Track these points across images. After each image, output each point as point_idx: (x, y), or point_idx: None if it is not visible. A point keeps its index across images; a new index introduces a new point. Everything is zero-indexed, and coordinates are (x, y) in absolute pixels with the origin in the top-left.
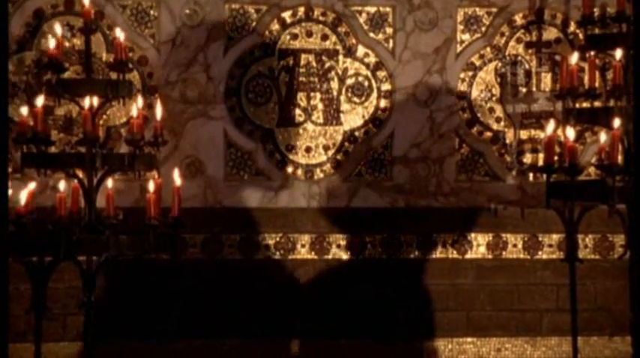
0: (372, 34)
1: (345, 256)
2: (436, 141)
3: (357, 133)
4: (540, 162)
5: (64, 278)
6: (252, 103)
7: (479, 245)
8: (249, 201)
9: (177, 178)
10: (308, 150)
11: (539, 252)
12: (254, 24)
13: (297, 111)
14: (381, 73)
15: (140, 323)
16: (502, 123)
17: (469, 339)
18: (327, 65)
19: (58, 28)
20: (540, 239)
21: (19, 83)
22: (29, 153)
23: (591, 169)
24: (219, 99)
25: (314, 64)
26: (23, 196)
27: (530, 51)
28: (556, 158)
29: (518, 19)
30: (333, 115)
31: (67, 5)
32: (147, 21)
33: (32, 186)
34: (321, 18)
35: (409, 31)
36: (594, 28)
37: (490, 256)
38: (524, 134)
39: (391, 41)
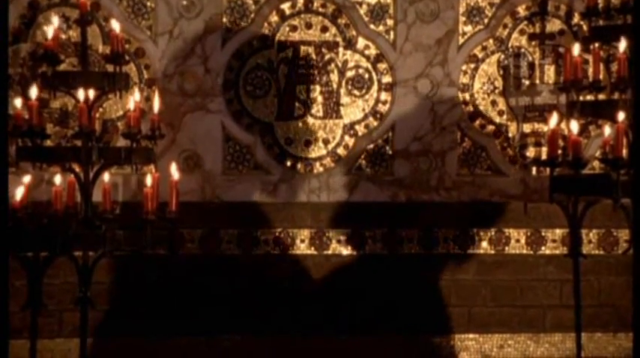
0: (372, 26)
1: (345, 251)
2: (438, 134)
3: (357, 127)
4: (544, 156)
5: (59, 273)
6: (250, 96)
7: (481, 240)
8: (247, 196)
9: (174, 172)
10: (307, 143)
11: (543, 248)
12: (252, 15)
13: (297, 104)
14: (382, 66)
15: (138, 319)
16: (505, 117)
17: (471, 335)
18: (326, 57)
19: (54, 20)
20: (543, 234)
21: (13, 75)
22: (24, 147)
23: (595, 163)
24: (217, 92)
25: (313, 56)
26: (18, 191)
27: (533, 43)
28: (560, 152)
29: (522, 11)
30: (332, 108)
31: None
32: (144, 12)
33: (27, 180)
34: (320, 9)
35: (410, 23)
36: (598, 20)
37: (492, 251)
38: (527, 127)
39: (392, 33)
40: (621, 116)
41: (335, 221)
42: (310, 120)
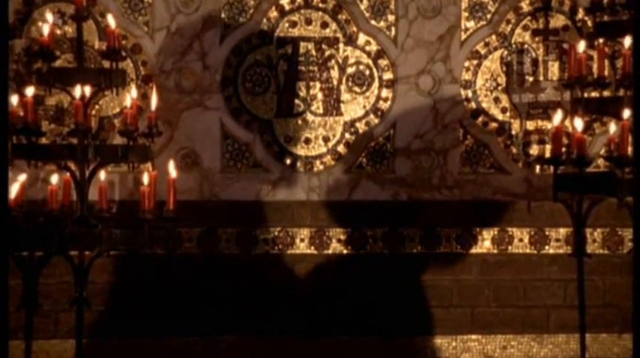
0: (373, 22)
1: (345, 251)
2: (440, 132)
3: (357, 124)
4: (547, 154)
5: (55, 273)
6: (249, 93)
7: (484, 239)
8: (246, 194)
9: (172, 170)
10: (307, 141)
11: (546, 247)
12: (251, 11)
13: (296, 101)
14: (383, 62)
15: (134, 319)
16: (508, 114)
17: (474, 336)
18: (327, 54)
19: (49, 16)
20: (547, 233)
21: (8, 72)
22: (19, 145)
23: (600, 161)
24: (215, 89)
25: (313, 52)
26: (13, 189)
27: (537, 39)
28: (564, 149)
29: (525, 6)
30: (333, 105)
31: None
32: (140, 8)
33: (22, 178)
34: (320, 5)
35: (412, 19)
36: (603, 15)
37: (495, 251)
38: (530, 125)
39: (393, 29)
40: (626, 113)
41: (335, 220)
42: (310, 117)
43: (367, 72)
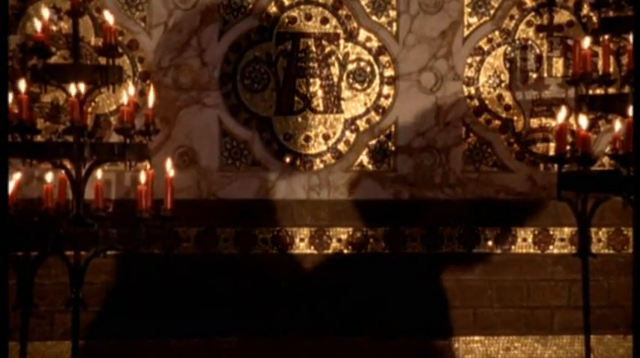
0: (374, 17)
1: (346, 251)
2: (442, 129)
3: (358, 122)
4: (551, 152)
5: (50, 273)
6: (248, 90)
7: (486, 239)
8: (245, 193)
9: (169, 169)
10: (307, 139)
11: (550, 247)
12: (250, 6)
13: (296, 98)
14: (384, 58)
15: (131, 320)
16: (511, 111)
17: (476, 338)
18: (327, 50)
19: (44, 11)
20: (551, 233)
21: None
22: (14, 142)
23: (605, 159)
24: (213, 86)
25: (313, 48)
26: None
27: (541, 35)
28: (568, 147)
29: (529, 1)
30: (333, 103)
31: None
32: (137, 3)
33: (17, 176)
34: (320, 0)
35: (414, 14)
36: (608, 11)
37: (498, 251)
38: (534, 122)
39: (395, 25)
40: (632, 111)
41: (336, 219)
42: (310, 114)
43: (368, 68)
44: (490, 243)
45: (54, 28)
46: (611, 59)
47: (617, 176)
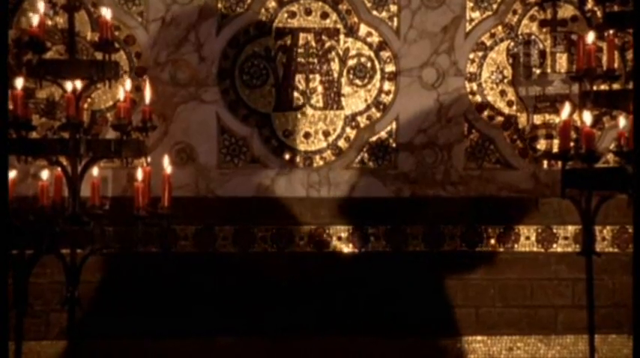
0: (375, 12)
1: (346, 249)
2: (444, 126)
3: (359, 118)
4: (555, 149)
5: (46, 272)
6: (247, 86)
7: (489, 237)
8: (244, 191)
9: (167, 166)
10: (307, 136)
11: (554, 245)
12: (249, 1)
13: (295, 94)
14: (385, 54)
15: (128, 320)
16: (514, 107)
17: (479, 338)
18: (327, 45)
19: (39, 5)
20: (555, 231)
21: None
22: (9, 139)
23: (610, 156)
24: (211, 82)
25: (313, 43)
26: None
27: (544, 30)
28: (572, 144)
29: None
30: (333, 99)
31: None
32: None
33: (12, 174)
34: None
35: (415, 9)
36: (613, 5)
37: (501, 249)
38: (538, 119)
39: (396, 19)
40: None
41: (336, 217)
42: (310, 111)
43: (369, 64)
44: (493, 241)
45: (49, 22)
46: (616, 54)
47: (621, 173)
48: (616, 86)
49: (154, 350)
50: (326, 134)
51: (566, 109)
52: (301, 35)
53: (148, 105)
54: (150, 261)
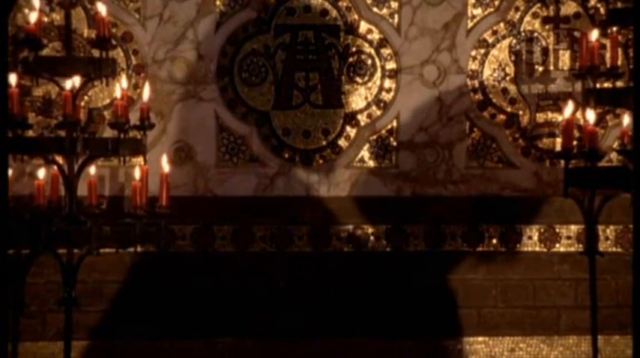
0: (375, 9)
1: (346, 249)
2: (445, 124)
3: (359, 116)
4: (558, 148)
5: (43, 272)
6: (246, 84)
7: (491, 237)
8: (242, 190)
9: (165, 165)
10: (306, 134)
11: (557, 245)
12: None
13: (295, 92)
14: (386, 51)
15: (125, 320)
16: (516, 105)
17: (480, 338)
18: (327, 42)
19: (36, 2)
20: (557, 230)
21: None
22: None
23: (613, 155)
24: (210, 80)
25: (313, 41)
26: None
27: (547, 27)
28: (575, 143)
29: None
30: (333, 97)
31: None
32: None
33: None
34: None
35: (416, 6)
36: (616, 2)
37: (503, 249)
38: (540, 117)
39: (396, 16)
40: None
41: (336, 217)
42: (309, 109)
43: (369, 61)
44: (494, 240)
45: (46, 19)
46: (619, 52)
47: (625, 172)
48: (619, 84)
49: (152, 350)
50: (326, 132)
51: (569, 107)
52: (301, 32)
53: (146, 104)
54: (147, 260)
